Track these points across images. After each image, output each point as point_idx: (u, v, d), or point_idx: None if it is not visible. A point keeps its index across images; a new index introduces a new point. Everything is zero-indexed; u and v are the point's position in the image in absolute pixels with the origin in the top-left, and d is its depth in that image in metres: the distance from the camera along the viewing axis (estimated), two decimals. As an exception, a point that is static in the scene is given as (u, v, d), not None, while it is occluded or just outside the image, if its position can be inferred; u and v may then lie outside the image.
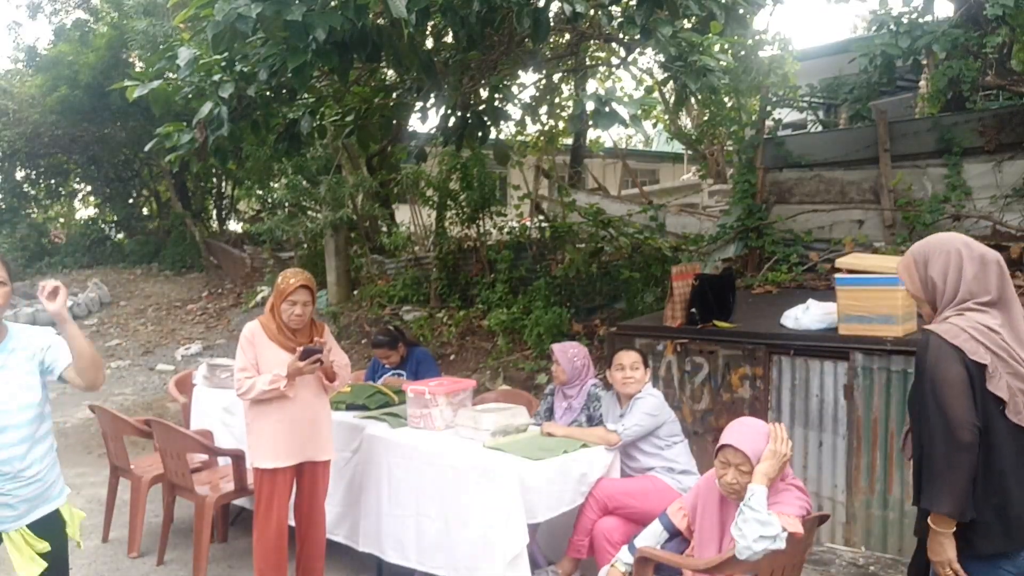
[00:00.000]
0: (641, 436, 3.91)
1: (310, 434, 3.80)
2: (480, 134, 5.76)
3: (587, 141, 13.31)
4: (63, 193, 18.56)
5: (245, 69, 4.56)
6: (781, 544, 2.71)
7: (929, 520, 2.30)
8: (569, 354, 4.39)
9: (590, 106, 4.10)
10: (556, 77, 9.46)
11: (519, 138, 10.97)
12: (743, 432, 2.94)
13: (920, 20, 6.81)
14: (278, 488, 3.75)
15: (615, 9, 5.03)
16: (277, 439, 3.73)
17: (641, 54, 8.52)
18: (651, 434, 3.94)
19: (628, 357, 4.06)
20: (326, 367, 3.79)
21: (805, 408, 4.59)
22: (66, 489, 2.75)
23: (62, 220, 19.81)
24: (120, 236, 18.13)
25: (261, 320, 3.82)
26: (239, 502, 4.71)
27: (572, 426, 4.30)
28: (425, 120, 6.21)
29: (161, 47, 6.05)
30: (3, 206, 16.93)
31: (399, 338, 5.32)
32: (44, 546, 2.56)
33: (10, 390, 2.53)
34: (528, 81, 8.63)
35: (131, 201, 18.35)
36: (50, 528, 2.63)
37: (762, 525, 2.70)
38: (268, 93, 4.81)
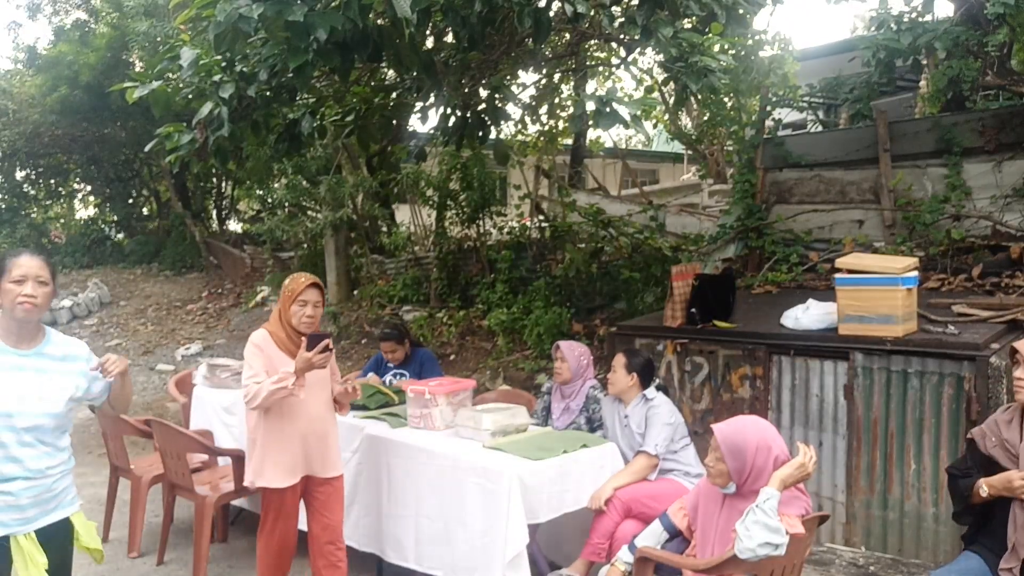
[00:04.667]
0: (668, 443, 3.95)
1: (319, 451, 3.61)
2: (480, 134, 5.75)
3: (587, 141, 13.29)
4: (63, 193, 18.52)
5: (245, 69, 4.56)
6: (782, 552, 2.71)
7: None
8: (576, 353, 4.40)
9: (590, 106, 4.10)
10: (556, 77, 9.44)
11: (519, 138, 10.96)
12: (733, 423, 3.00)
13: (920, 19, 6.81)
14: (286, 505, 3.58)
15: (616, 9, 5.03)
16: (286, 458, 3.52)
17: (641, 54, 8.50)
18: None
19: (617, 360, 4.12)
20: (340, 396, 3.71)
21: (805, 408, 4.59)
22: (77, 499, 2.73)
23: (62, 220, 19.76)
24: (120, 236, 18.07)
25: (268, 328, 3.59)
26: (239, 502, 4.71)
27: (571, 428, 4.32)
28: (425, 120, 6.20)
29: (162, 48, 6.05)
30: (3, 206, 16.89)
31: (406, 333, 5.34)
32: (43, 561, 2.51)
33: (41, 393, 2.52)
34: (528, 81, 8.62)
35: (131, 201, 18.30)
36: (57, 536, 2.61)
37: (770, 532, 2.70)
38: (268, 93, 4.80)
